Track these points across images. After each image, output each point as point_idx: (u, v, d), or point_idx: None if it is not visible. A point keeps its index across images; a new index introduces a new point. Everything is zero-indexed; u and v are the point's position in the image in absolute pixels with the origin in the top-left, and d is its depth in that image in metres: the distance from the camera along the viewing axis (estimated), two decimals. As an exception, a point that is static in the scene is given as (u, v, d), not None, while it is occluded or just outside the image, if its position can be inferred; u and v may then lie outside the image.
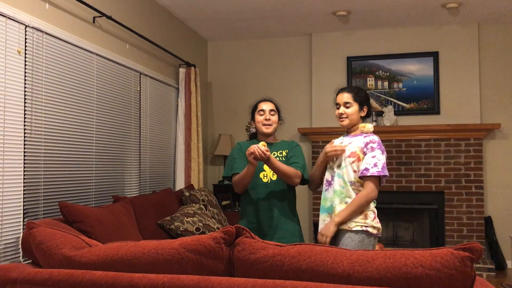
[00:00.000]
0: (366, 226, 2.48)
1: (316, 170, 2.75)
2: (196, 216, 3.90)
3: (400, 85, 5.57)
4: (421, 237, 5.58)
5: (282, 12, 5.05)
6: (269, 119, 2.79)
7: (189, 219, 3.79)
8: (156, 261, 1.68)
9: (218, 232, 1.71)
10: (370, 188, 2.49)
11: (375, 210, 2.57)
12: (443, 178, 5.32)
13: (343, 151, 2.58)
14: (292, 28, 5.63)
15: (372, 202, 2.56)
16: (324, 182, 2.68)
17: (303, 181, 2.76)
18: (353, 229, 2.47)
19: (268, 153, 2.47)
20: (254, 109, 2.87)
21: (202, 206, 4.21)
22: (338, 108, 2.67)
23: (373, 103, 5.64)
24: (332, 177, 2.62)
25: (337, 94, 2.72)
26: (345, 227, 2.49)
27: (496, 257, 5.23)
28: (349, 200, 2.52)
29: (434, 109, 5.46)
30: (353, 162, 2.54)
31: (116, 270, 1.70)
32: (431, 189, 5.34)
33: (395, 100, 5.57)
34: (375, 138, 2.57)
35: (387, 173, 2.50)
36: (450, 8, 4.84)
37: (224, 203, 5.48)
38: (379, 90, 5.62)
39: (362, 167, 2.51)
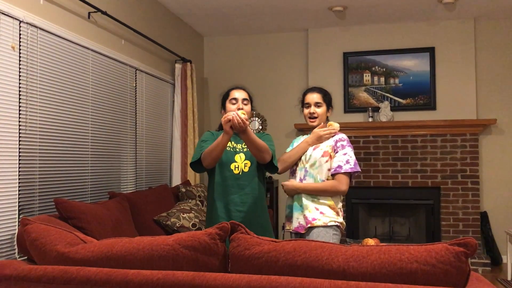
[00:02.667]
0: (339, 222, 2.61)
1: (298, 154, 2.71)
2: (193, 212, 3.90)
3: (397, 80, 5.57)
4: (417, 232, 5.59)
5: (279, 8, 5.03)
6: (242, 109, 2.58)
7: (185, 215, 3.79)
8: (150, 258, 1.67)
9: (213, 228, 1.70)
10: (342, 181, 2.58)
11: (342, 209, 2.69)
12: (439, 173, 5.33)
13: (336, 132, 2.70)
14: (289, 23, 5.62)
15: (340, 201, 2.67)
16: (297, 180, 2.70)
17: (272, 169, 2.60)
18: (328, 224, 2.56)
19: (247, 122, 2.30)
20: (226, 96, 2.68)
21: (198, 202, 4.20)
22: (307, 108, 2.74)
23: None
24: (305, 176, 2.67)
25: (305, 94, 2.78)
26: (320, 223, 2.56)
27: (491, 252, 5.25)
28: (321, 199, 2.60)
29: (430, 105, 5.46)
30: (326, 162, 2.63)
31: (110, 267, 1.69)
32: (427, 184, 5.35)
33: (391, 96, 5.56)
34: (344, 136, 2.69)
35: (359, 169, 2.62)
36: (446, 3, 4.83)
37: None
38: (376, 85, 5.61)
39: (334, 164, 2.61)
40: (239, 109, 2.58)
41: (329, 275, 1.54)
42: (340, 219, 2.62)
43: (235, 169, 2.56)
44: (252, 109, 2.71)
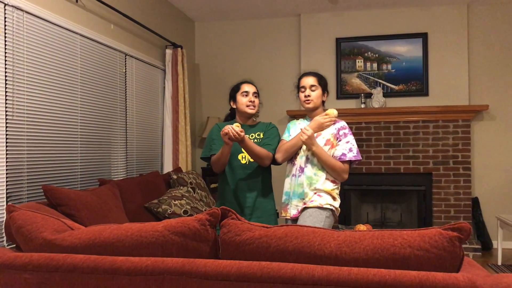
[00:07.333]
0: (334, 207, 2.64)
1: (299, 143, 2.68)
2: (184, 199, 3.86)
3: (389, 66, 5.53)
4: (409, 218, 5.61)
5: (270, -8, 4.96)
6: (253, 101, 2.83)
7: (176, 202, 3.76)
8: (139, 244, 1.64)
9: (203, 214, 1.67)
10: (346, 168, 2.63)
11: (338, 195, 2.71)
12: (431, 159, 5.33)
13: (336, 120, 2.71)
14: (281, 8, 5.55)
15: (337, 188, 2.68)
16: (297, 168, 2.70)
17: (274, 162, 2.81)
18: (324, 206, 2.59)
19: (242, 133, 2.52)
20: (236, 90, 2.87)
21: (190, 189, 4.17)
22: (302, 91, 2.76)
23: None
24: (306, 164, 2.67)
25: (301, 78, 2.81)
26: (316, 203, 2.59)
27: (482, 237, 5.28)
28: (318, 186, 2.62)
29: (423, 91, 5.44)
30: (329, 150, 2.65)
31: (98, 254, 1.66)
32: (419, 170, 5.35)
33: (384, 82, 5.53)
34: (345, 123, 2.73)
35: (361, 157, 2.68)
36: (439, -12, 4.79)
37: (212, 185, 5.44)
38: (368, 71, 5.58)
39: (338, 152, 2.64)
40: (250, 101, 2.80)
41: (321, 261, 1.52)
42: (336, 204, 2.64)
43: (242, 159, 2.78)
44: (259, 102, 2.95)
